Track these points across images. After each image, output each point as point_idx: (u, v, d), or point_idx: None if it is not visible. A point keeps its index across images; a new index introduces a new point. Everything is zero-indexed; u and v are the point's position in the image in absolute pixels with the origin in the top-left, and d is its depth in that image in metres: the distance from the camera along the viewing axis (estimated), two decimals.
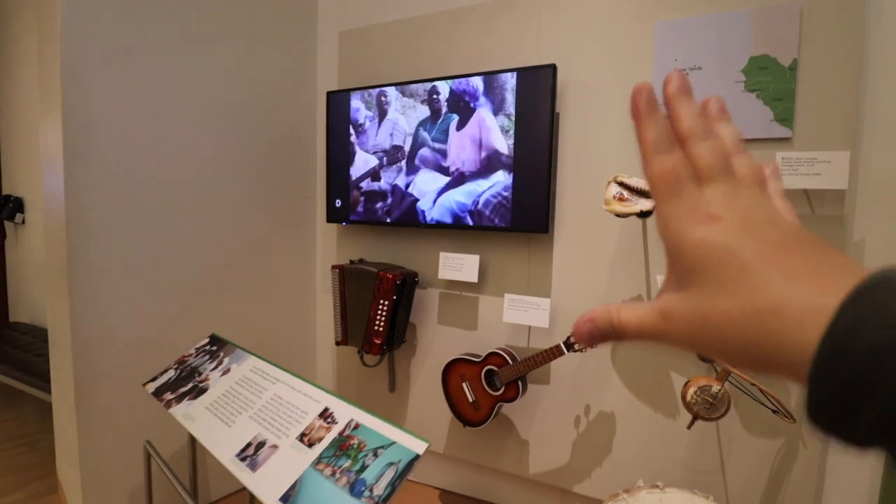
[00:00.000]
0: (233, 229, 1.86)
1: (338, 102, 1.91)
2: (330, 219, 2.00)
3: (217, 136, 1.78)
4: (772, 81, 1.30)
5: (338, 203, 1.96)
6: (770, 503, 1.37)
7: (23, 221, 3.56)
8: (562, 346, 1.42)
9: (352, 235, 2.08)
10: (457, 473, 1.94)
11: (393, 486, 0.81)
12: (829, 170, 1.24)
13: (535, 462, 1.71)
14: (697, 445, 1.46)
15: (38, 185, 3.17)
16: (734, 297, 0.19)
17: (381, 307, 1.66)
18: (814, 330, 0.16)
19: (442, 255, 1.74)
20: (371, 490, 0.81)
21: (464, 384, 1.64)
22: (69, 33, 1.41)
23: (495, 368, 1.56)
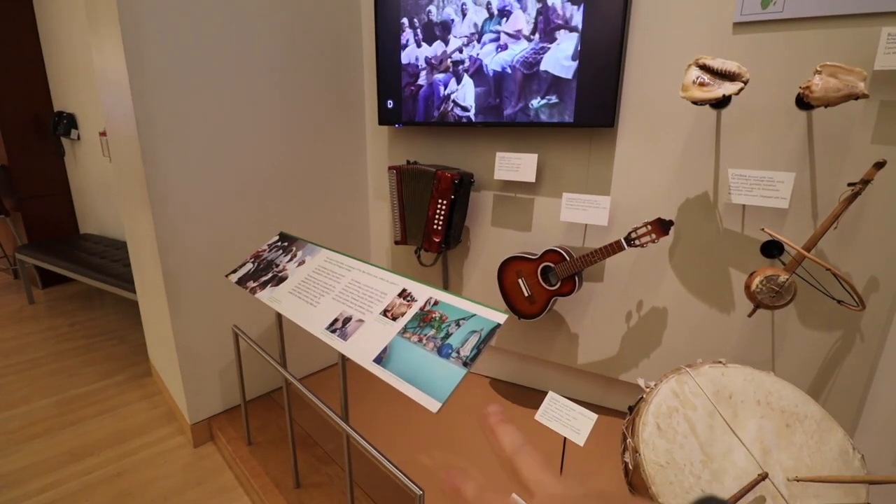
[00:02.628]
0: (287, 136, 1.89)
1: (386, 4, 1.83)
2: (382, 121, 1.98)
3: (266, 45, 1.74)
4: None
5: (389, 104, 1.93)
6: (816, 395, 1.43)
7: (78, 137, 3.67)
8: (622, 241, 1.43)
9: (403, 139, 2.06)
10: (507, 364, 2.09)
11: (478, 349, 0.89)
12: None
13: (583, 353, 1.82)
14: (749, 340, 1.49)
15: (89, 102, 3.23)
16: None
17: (439, 206, 1.70)
18: None
19: (498, 154, 1.73)
20: (458, 352, 0.90)
21: (519, 280, 1.71)
22: None
23: (552, 265, 1.61)
